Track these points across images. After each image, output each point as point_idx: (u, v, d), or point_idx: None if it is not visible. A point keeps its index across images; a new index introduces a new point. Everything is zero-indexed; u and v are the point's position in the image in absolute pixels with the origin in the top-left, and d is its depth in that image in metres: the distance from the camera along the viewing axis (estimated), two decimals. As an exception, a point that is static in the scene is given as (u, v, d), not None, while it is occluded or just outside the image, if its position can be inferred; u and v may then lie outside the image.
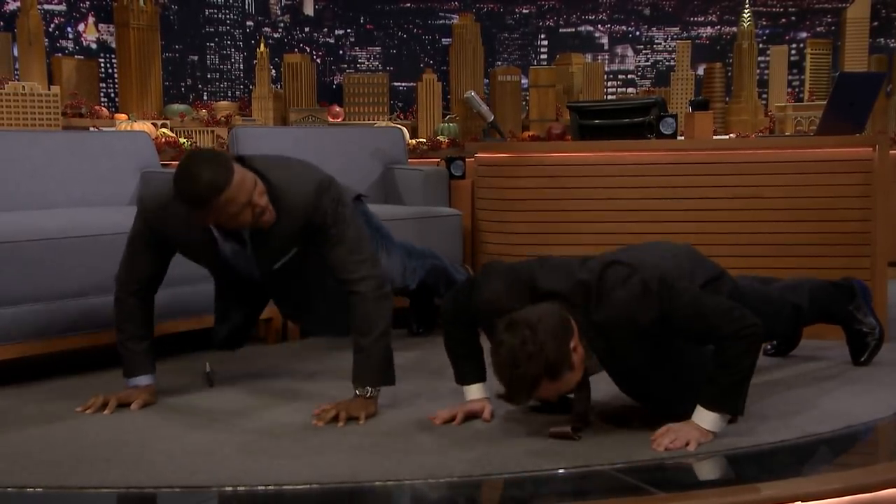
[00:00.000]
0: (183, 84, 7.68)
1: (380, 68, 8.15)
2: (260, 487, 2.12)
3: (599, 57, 8.32)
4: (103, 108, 7.08)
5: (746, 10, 7.93)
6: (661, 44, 8.30)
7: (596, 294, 2.36)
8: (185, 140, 6.98)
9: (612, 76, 8.36)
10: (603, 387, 2.59)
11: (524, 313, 2.27)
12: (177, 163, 6.23)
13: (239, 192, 2.47)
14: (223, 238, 2.70)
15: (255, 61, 7.64)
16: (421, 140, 7.66)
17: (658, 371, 2.42)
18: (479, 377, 2.65)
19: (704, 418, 2.36)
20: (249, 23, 7.91)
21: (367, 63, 8.18)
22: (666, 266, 2.50)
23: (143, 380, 2.80)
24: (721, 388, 2.35)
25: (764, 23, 8.20)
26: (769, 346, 3.40)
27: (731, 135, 7.60)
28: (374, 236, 3.39)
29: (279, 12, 8.02)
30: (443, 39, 8.18)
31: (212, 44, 7.77)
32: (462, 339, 2.65)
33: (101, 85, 7.35)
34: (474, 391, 2.64)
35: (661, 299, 2.33)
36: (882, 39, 7.93)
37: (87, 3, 7.31)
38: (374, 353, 2.64)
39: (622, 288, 2.34)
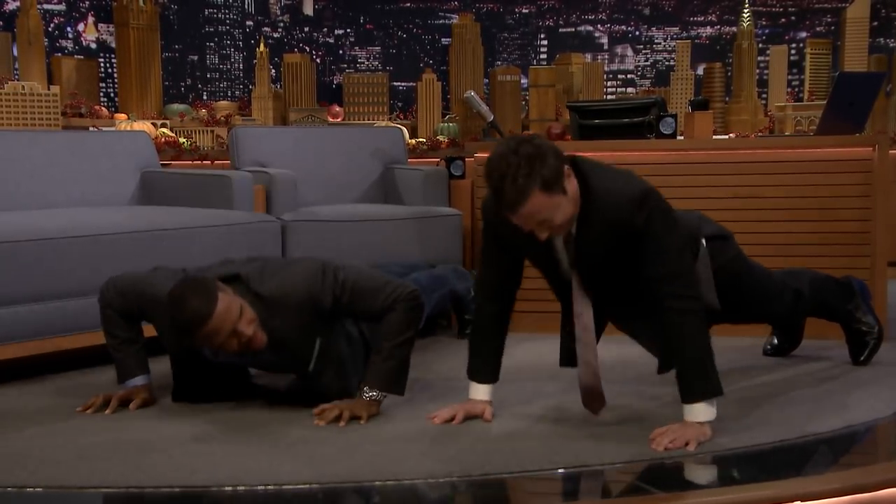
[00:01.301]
0: (183, 84, 7.68)
1: (379, 68, 8.15)
2: (260, 487, 2.12)
3: (599, 57, 8.32)
4: (103, 108, 7.08)
5: (746, 10, 7.93)
6: (660, 44, 8.30)
7: (599, 180, 2.36)
8: (184, 140, 6.98)
9: (611, 76, 8.36)
10: (602, 386, 2.59)
11: (525, 134, 2.29)
12: (177, 163, 6.25)
13: (222, 323, 2.46)
14: (213, 354, 2.67)
15: (254, 61, 7.64)
16: (421, 140, 7.66)
17: (629, 282, 2.42)
18: (491, 378, 2.64)
19: (693, 412, 2.37)
20: (249, 23, 7.91)
21: (366, 63, 8.18)
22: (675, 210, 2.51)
23: (139, 380, 2.80)
24: (690, 377, 2.36)
25: (763, 23, 8.20)
26: (768, 347, 3.40)
27: (731, 135, 7.60)
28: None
29: (279, 12, 8.02)
30: (442, 39, 8.18)
31: (211, 43, 7.77)
32: (488, 323, 2.62)
33: (100, 85, 7.35)
34: (480, 391, 2.63)
35: (650, 213, 2.33)
36: (882, 39, 7.93)
37: (87, 2, 7.31)
38: (391, 357, 2.64)
39: (628, 185, 2.34)
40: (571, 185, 2.31)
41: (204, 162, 6.67)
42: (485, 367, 2.63)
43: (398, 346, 2.64)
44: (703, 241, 2.63)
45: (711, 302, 2.60)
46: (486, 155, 4.10)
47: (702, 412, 2.36)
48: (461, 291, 3.75)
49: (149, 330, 2.86)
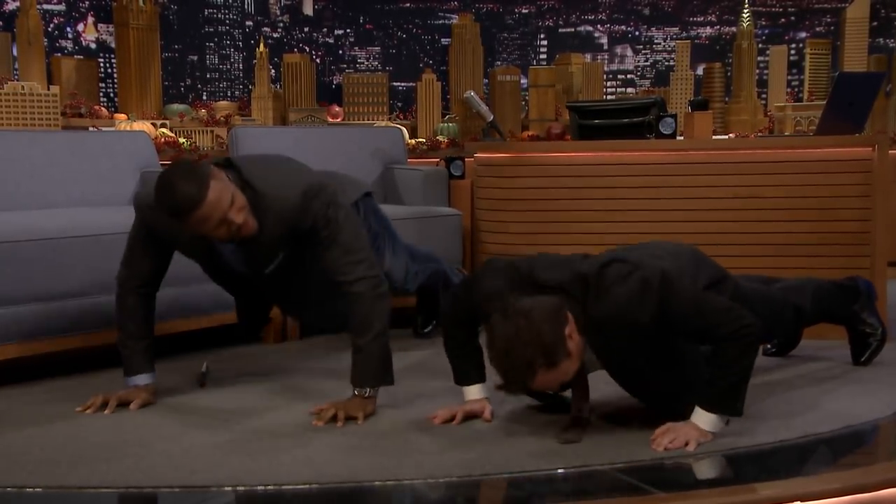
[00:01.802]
0: (182, 84, 7.68)
1: (379, 68, 8.15)
2: (259, 487, 2.12)
3: (599, 57, 8.31)
4: (103, 108, 7.08)
5: (746, 10, 7.93)
6: (660, 44, 8.30)
7: (595, 289, 2.35)
8: (184, 140, 6.98)
9: (611, 76, 8.36)
10: (602, 387, 2.60)
11: (519, 303, 2.26)
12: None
13: (213, 209, 2.46)
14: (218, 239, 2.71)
15: (254, 61, 7.64)
16: (420, 140, 7.66)
17: (655, 369, 2.42)
18: (479, 378, 2.65)
19: (703, 419, 2.36)
20: (249, 23, 7.91)
21: (366, 63, 8.18)
22: (667, 265, 2.50)
23: (143, 379, 2.80)
24: (719, 389, 2.36)
25: (763, 23, 8.20)
26: (769, 346, 3.40)
27: (731, 135, 7.60)
28: (382, 234, 3.40)
29: (278, 12, 8.02)
30: (442, 39, 8.18)
31: (211, 44, 7.76)
32: (462, 341, 2.65)
33: (100, 85, 7.34)
34: (474, 392, 2.65)
35: (660, 297, 2.32)
36: (881, 39, 7.93)
37: (87, 2, 7.31)
38: (371, 352, 2.64)
39: (622, 284, 2.33)
40: (575, 342, 2.29)
41: (204, 162, 6.66)
42: (468, 369, 2.65)
43: (373, 339, 2.64)
44: None
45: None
46: (485, 155, 4.14)
47: (709, 422, 2.36)
48: (453, 280, 3.76)
49: (160, 329, 2.87)
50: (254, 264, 2.74)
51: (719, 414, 2.36)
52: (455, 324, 2.64)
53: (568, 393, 2.56)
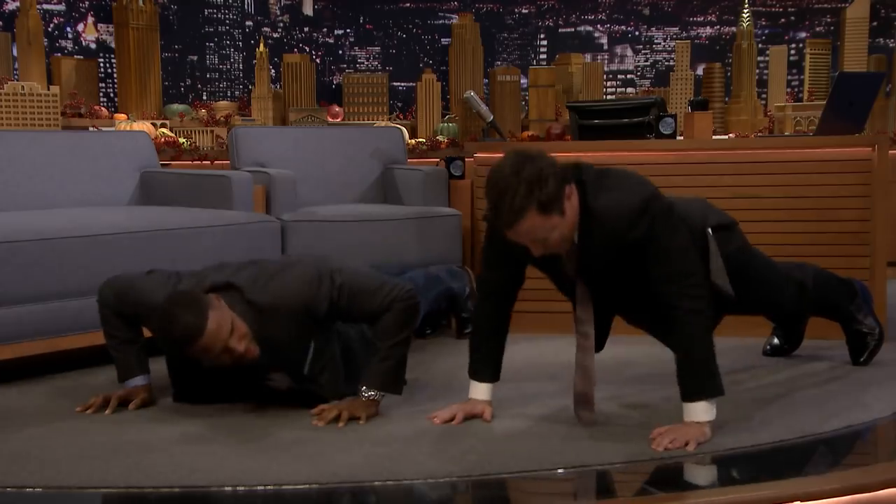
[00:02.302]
0: (182, 84, 7.67)
1: (379, 68, 8.14)
2: (259, 487, 2.12)
3: (599, 57, 8.30)
4: (103, 108, 7.07)
5: (746, 10, 7.92)
6: (660, 44, 8.28)
7: (602, 180, 2.36)
8: (184, 140, 6.98)
9: (611, 76, 8.35)
10: (602, 386, 2.60)
11: (532, 148, 2.28)
12: (177, 163, 6.24)
13: (213, 339, 2.45)
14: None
15: (254, 61, 7.62)
16: (420, 140, 7.65)
17: (630, 292, 2.44)
18: (492, 377, 2.63)
19: (694, 411, 2.37)
20: (249, 23, 7.90)
21: (366, 63, 8.17)
22: (679, 204, 2.51)
23: (139, 380, 2.80)
24: (693, 376, 2.36)
25: (763, 23, 8.19)
26: (768, 347, 3.40)
27: (731, 135, 7.60)
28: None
29: (278, 12, 8.01)
30: (442, 39, 8.17)
31: (211, 44, 7.75)
32: (489, 332, 2.61)
33: (100, 85, 7.33)
34: (480, 391, 2.63)
35: (651, 222, 2.32)
36: (881, 39, 7.92)
37: (87, 2, 7.31)
38: (389, 357, 2.64)
39: (625, 194, 2.34)
40: (571, 205, 2.30)
41: (203, 162, 6.66)
42: (485, 366, 2.63)
43: (395, 345, 2.64)
44: (710, 231, 2.64)
45: (725, 289, 2.60)
46: (485, 155, 4.14)
47: (702, 411, 2.36)
48: (457, 290, 3.75)
49: (149, 330, 2.85)
50: (290, 370, 2.71)
51: (703, 399, 2.36)
52: (488, 297, 2.61)
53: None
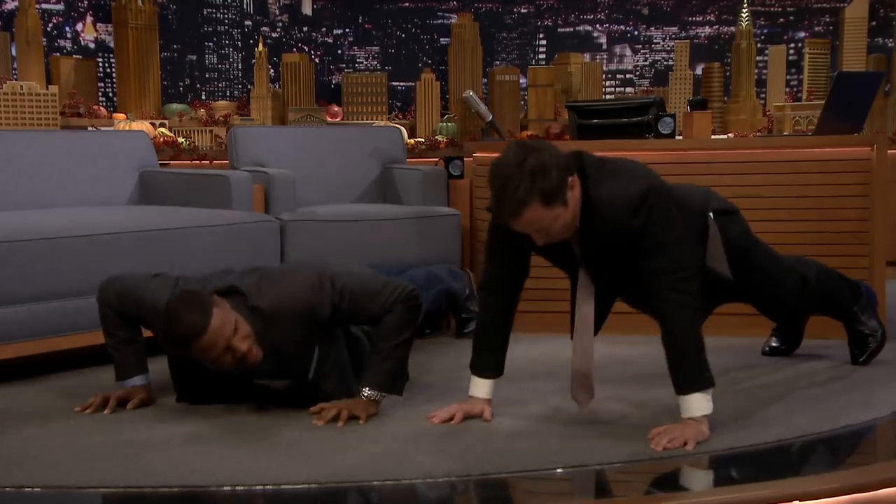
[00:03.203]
0: (181, 83, 7.67)
1: (378, 68, 8.14)
2: (258, 487, 2.12)
3: (598, 57, 8.31)
4: (101, 108, 7.07)
5: (745, 10, 7.92)
6: (659, 43, 8.29)
7: (603, 169, 2.37)
8: (183, 139, 6.98)
9: (610, 76, 8.35)
10: (602, 386, 2.60)
11: (534, 140, 2.29)
12: (176, 162, 6.24)
13: (217, 338, 2.45)
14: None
15: (253, 61, 7.63)
16: (419, 139, 7.65)
17: (629, 279, 2.45)
18: (494, 373, 2.63)
19: (689, 406, 2.37)
20: (248, 22, 7.90)
21: (365, 63, 8.17)
22: (680, 189, 2.53)
23: (138, 380, 2.80)
24: (684, 369, 2.37)
25: (762, 22, 8.19)
26: (766, 348, 3.40)
27: (730, 134, 7.60)
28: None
29: (277, 12, 8.01)
30: (441, 39, 8.17)
31: (210, 43, 7.76)
32: (496, 327, 2.61)
33: (99, 84, 7.34)
34: (481, 387, 2.62)
35: (648, 213, 2.34)
36: (880, 39, 7.93)
37: (86, 2, 7.31)
38: (390, 358, 2.64)
39: (626, 185, 2.35)
40: (574, 196, 2.31)
41: (202, 162, 6.66)
42: (489, 361, 2.62)
43: (396, 346, 2.64)
44: (711, 216, 2.64)
45: (724, 273, 2.62)
46: (484, 155, 4.14)
47: (697, 406, 2.37)
48: (457, 290, 3.75)
49: (148, 330, 2.85)
50: (295, 376, 2.71)
51: (698, 392, 2.36)
52: (494, 292, 2.61)
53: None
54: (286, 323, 2.59)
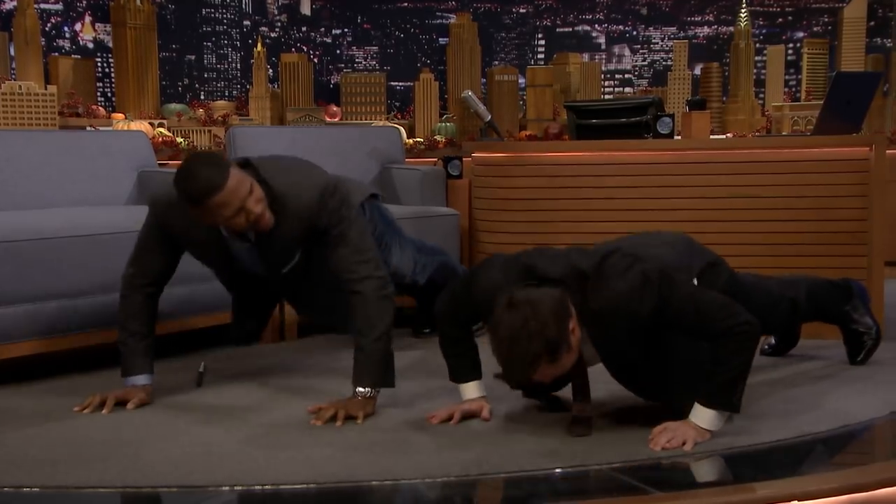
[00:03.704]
0: (180, 83, 7.67)
1: (377, 68, 8.14)
2: (257, 487, 2.12)
3: (596, 56, 8.31)
4: (100, 108, 7.07)
5: (743, 10, 7.92)
6: (658, 43, 8.29)
7: (595, 282, 2.36)
8: (182, 139, 6.97)
9: (609, 76, 8.35)
10: (600, 386, 2.60)
11: (525, 293, 2.27)
12: (174, 162, 6.25)
13: (233, 196, 2.49)
14: (231, 236, 2.72)
15: (252, 61, 7.62)
16: (418, 139, 7.65)
17: (653, 363, 2.43)
18: (475, 375, 2.65)
19: (702, 416, 2.37)
20: (246, 22, 7.90)
21: (364, 63, 8.17)
22: (666, 257, 2.51)
23: (141, 379, 2.80)
24: (717, 385, 2.36)
25: (761, 22, 8.20)
26: (766, 347, 3.40)
27: (728, 134, 7.61)
28: (387, 231, 3.42)
29: (276, 12, 8.01)
30: (440, 39, 8.17)
31: (209, 43, 7.75)
32: (458, 338, 2.65)
33: (97, 84, 7.33)
34: (470, 389, 2.64)
35: (660, 291, 2.33)
36: (879, 39, 7.93)
37: (84, 2, 7.30)
38: (373, 353, 2.64)
39: (621, 278, 2.34)
40: (575, 336, 2.30)
41: (201, 162, 6.64)
42: (464, 367, 2.65)
43: (376, 340, 2.65)
44: (696, 281, 2.64)
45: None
46: (483, 154, 4.14)
47: (708, 419, 2.36)
48: (459, 269, 3.78)
49: (161, 328, 2.87)
50: (270, 264, 2.75)
51: (717, 410, 2.36)
52: (451, 321, 2.64)
53: (561, 393, 2.56)
54: (286, 210, 2.63)
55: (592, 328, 2.36)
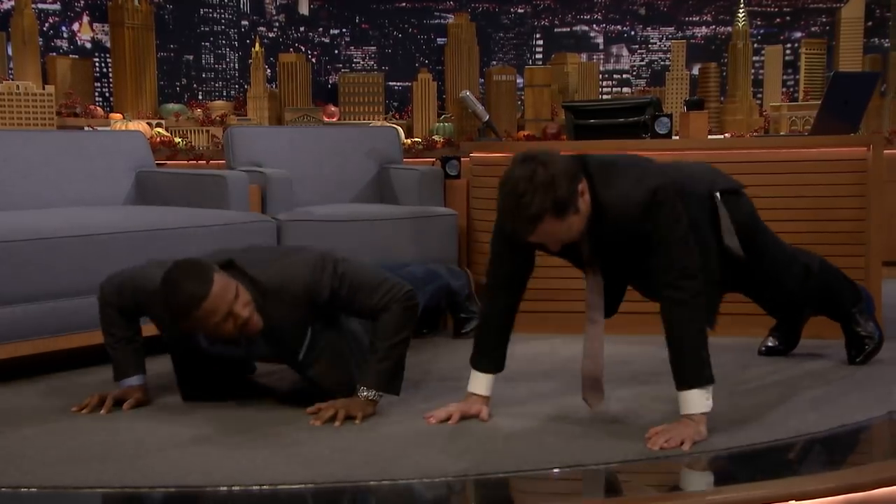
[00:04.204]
0: (178, 83, 7.66)
1: (375, 68, 8.13)
2: (255, 487, 2.12)
3: (594, 57, 8.31)
4: (98, 108, 7.06)
5: (741, 10, 7.93)
6: (656, 43, 8.30)
7: (608, 171, 2.38)
8: (179, 139, 6.97)
9: (607, 76, 8.35)
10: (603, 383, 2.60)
11: (539, 150, 2.29)
12: (172, 162, 6.24)
13: (219, 303, 2.45)
14: (213, 346, 2.67)
15: (250, 61, 7.62)
16: (416, 140, 7.65)
17: (640, 273, 2.48)
18: (495, 367, 2.63)
19: (688, 403, 2.37)
20: (244, 22, 7.90)
21: (362, 62, 8.17)
22: (685, 172, 2.57)
23: (134, 380, 2.79)
24: (684, 364, 2.38)
25: (758, 22, 8.20)
26: (763, 348, 3.40)
27: (726, 134, 7.60)
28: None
29: (274, 12, 8.00)
30: (438, 39, 8.17)
31: (207, 43, 7.75)
32: (499, 315, 2.60)
33: (95, 84, 7.33)
34: (480, 383, 2.62)
35: (656, 212, 2.35)
36: (876, 39, 7.93)
37: (82, 2, 7.30)
38: (387, 357, 2.64)
39: (633, 185, 2.36)
40: (584, 201, 2.33)
41: (199, 162, 6.66)
42: (490, 355, 2.62)
43: (393, 346, 2.64)
44: (718, 195, 2.66)
45: (736, 250, 2.67)
46: (481, 155, 4.14)
47: (696, 403, 2.37)
48: (455, 288, 3.76)
49: (148, 329, 2.85)
50: (285, 354, 2.71)
51: (697, 388, 2.37)
52: (499, 289, 2.61)
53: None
54: (283, 300, 2.59)
55: (595, 223, 2.38)
